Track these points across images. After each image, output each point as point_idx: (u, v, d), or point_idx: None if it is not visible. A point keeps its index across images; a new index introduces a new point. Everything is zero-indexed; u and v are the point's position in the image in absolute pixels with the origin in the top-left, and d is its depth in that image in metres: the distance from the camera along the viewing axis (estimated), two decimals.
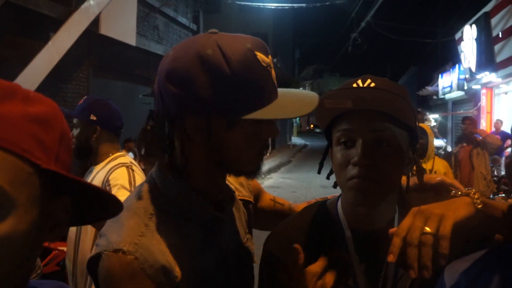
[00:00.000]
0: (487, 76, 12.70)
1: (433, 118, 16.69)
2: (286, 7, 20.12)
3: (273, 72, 0.99)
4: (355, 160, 1.01)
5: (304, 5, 19.02)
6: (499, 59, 11.42)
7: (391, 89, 1.02)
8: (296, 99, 1.03)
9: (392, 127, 1.04)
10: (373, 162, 1.01)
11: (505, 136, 11.07)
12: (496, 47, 11.48)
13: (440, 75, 20.71)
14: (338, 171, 1.08)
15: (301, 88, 40.71)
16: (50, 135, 0.62)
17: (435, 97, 23.23)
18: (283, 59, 31.25)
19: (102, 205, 0.69)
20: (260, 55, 0.94)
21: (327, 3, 18.07)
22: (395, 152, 1.04)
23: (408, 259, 0.83)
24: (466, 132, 7.01)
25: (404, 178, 1.14)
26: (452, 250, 0.99)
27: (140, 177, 2.24)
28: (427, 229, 0.85)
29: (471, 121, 7.13)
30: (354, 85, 1.06)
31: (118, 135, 2.46)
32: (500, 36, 11.02)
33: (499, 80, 12.37)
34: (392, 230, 0.89)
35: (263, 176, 15.92)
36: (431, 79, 24.46)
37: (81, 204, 0.68)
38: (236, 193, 1.23)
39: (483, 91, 14.21)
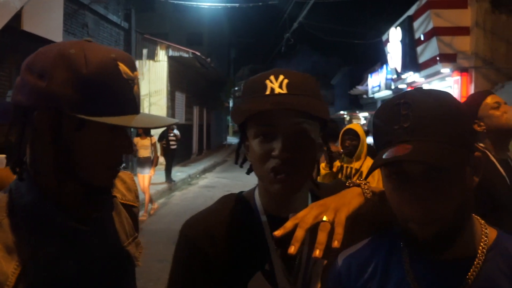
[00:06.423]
0: (411, 76, 13.39)
1: (363, 117, 17.35)
2: (220, 7, 20.09)
3: (136, 88, 1.03)
4: (276, 153, 1.06)
5: (237, 5, 19.10)
6: (421, 60, 12.06)
7: (305, 91, 1.09)
8: (154, 118, 1.10)
9: (307, 119, 1.09)
10: (292, 155, 1.06)
11: None
12: (419, 49, 12.12)
13: (369, 75, 21.56)
14: (258, 163, 1.11)
15: (236, 88, 40.79)
16: None
17: (365, 96, 24.14)
18: (218, 58, 31.20)
19: None
20: (123, 67, 0.99)
21: (260, 4, 18.23)
22: (310, 142, 1.10)
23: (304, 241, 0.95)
24: None
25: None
26: (352, 237, 1.07)
27: None
28: (325, 218, 0.98)
29: None
30: (267, 81, 1.09)
31: None
32: (422, 38, 11.64)
33: (422, 80, 13.07)
34: (291, 215, 1.01)
35: (198, 176, 15.84)
36: (362, 79, 25.41)
37: None
38: (120, 196, 1.25)
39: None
